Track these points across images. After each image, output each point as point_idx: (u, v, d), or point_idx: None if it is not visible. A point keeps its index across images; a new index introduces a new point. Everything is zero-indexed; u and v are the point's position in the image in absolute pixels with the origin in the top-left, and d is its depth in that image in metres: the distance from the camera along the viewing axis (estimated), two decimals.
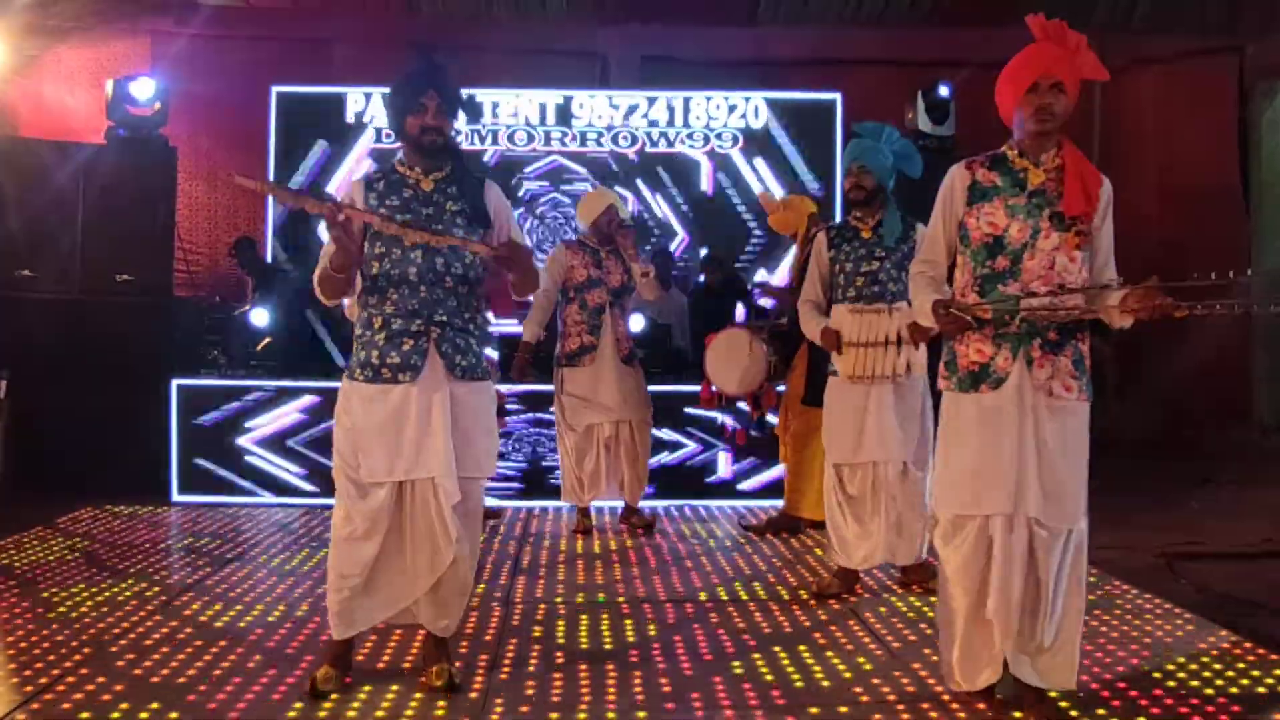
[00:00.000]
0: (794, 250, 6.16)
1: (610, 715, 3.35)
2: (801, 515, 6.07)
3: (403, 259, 3.45)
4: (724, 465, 7.16)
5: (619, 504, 6.42)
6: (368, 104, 8.56)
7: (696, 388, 7.09)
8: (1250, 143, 9.86)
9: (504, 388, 6.37)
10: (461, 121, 8.40)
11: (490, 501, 6.38)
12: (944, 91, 8.12)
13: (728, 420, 7.01)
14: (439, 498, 3.43)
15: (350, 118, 8.58)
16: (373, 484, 3.46)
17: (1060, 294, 3.19)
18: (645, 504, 6.46)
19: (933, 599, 4.51)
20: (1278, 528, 5.91)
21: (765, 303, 7.84)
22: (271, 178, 8.51)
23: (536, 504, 6.98)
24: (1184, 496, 7.21)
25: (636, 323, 7.33)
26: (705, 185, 8.62)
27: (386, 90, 3.62)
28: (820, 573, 5.20)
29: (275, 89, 8.66)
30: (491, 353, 6.14)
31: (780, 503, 6.33)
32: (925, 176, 4.72)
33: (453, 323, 3.50)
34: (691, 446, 7.13)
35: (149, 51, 9.08)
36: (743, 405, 6.39)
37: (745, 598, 4.81)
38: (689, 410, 7.06)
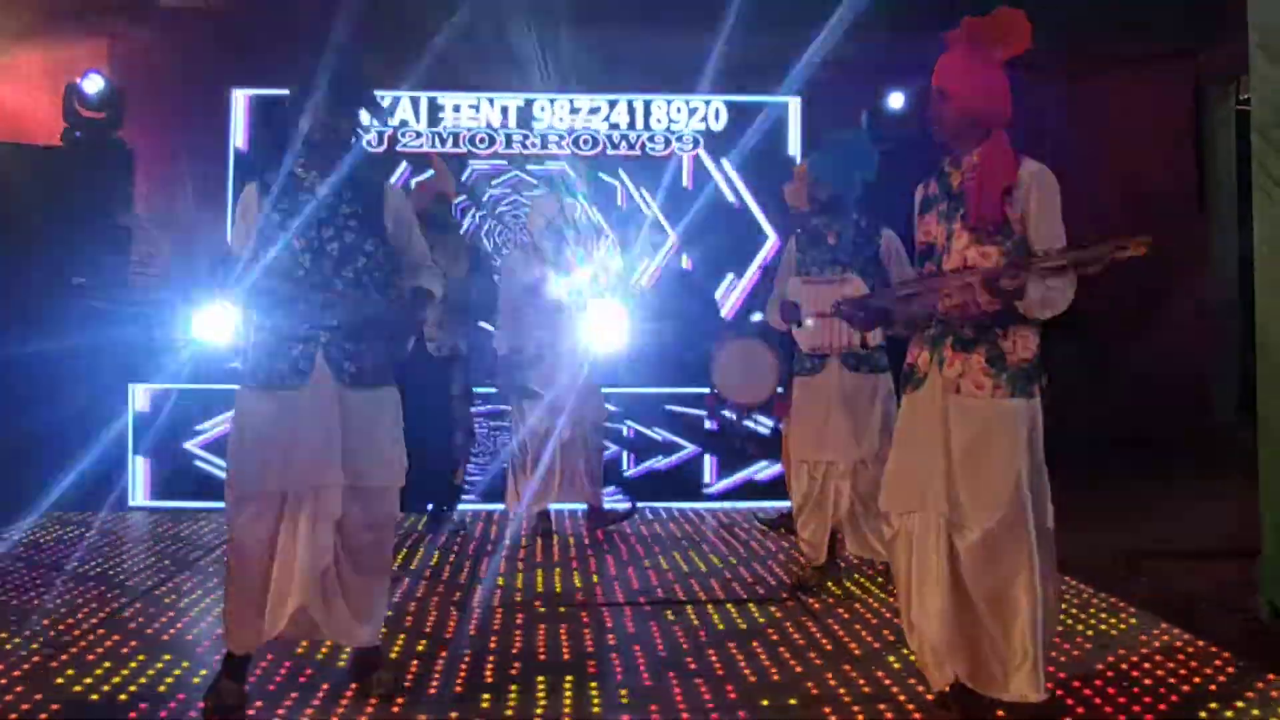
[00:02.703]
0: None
1: None
2: None
3: (293, 261, 3.36)
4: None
5: (580, 506, 6.43)
6: None
7: (655, 390, 7.19)
8: (1205, 145, 9.99)
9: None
10: (423, 124, 8.43)
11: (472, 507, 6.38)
12: (898, 99, 8.22)
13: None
14: (319, 509, 3.35)
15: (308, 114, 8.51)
16: (256, 492, 3.36)
17: (930, 283, 3.26)
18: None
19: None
20: (1236, 524, 5.98)
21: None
22: (230, 182, 8.47)
23: (497, 507, 6.96)
24: (1144, 493, 7.28)
25: None
26: (667, 187, 8.62)
27: None
28: (780, 569, 5.24)
29: (236, 91, 8.59)
30: None
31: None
32: (884, 178, 4.83)
33: (343, 329, 3.39)
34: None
35: (107, 54, 8.96)
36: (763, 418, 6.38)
37: (704, 599, 4.82)
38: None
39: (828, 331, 4.76)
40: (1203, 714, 3.35)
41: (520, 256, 6.18)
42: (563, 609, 4.67)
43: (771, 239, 8.54)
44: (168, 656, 3.93)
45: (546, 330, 6.05)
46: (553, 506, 6.34)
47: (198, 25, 8.91)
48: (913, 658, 3.49)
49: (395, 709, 3.41)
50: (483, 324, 6.62)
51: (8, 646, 4.03)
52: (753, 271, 8.60)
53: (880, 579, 5.05)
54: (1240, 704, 3.41)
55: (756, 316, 7.77)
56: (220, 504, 6.44)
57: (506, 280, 6.15)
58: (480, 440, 6.98)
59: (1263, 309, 4.46)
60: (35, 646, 4.02)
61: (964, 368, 3.21)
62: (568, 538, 6.22)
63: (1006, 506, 3.15)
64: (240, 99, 8.61)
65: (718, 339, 6.01)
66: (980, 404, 3.19)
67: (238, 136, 8.59)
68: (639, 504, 6.82)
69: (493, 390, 6.77)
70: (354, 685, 3.55)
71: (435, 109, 8.53)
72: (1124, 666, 3.81)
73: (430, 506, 6.28)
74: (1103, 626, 4.33)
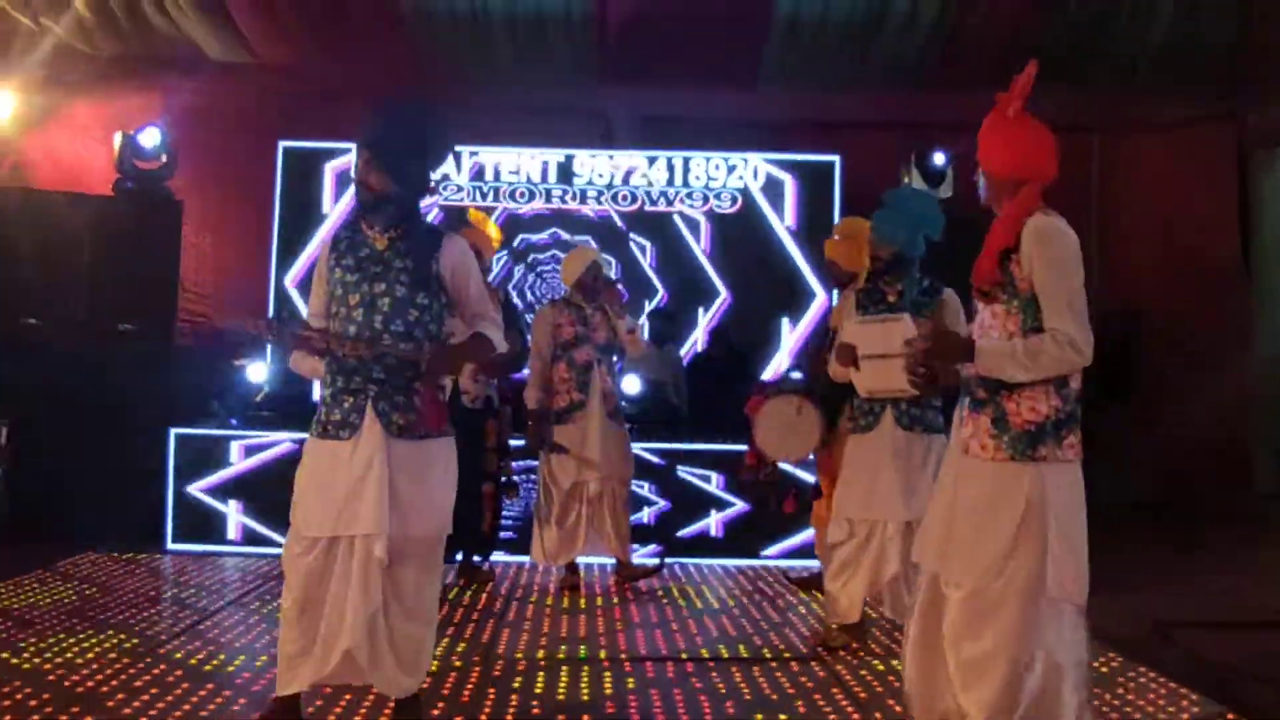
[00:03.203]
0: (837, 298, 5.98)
1: None
2: None
3: (346, 317, 3.51)
4: (715, 526, 7.18)
5: (609, 560, 6.43)
6: None
7: (691, 446, 7.18)
8: (1250, 211, 9.88)
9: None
10: (464, 178, 8.56)
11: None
12: (940, 157, 8.21)
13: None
14: (366, 557, 3.42)
15: (355, 172, 8.67)
16: (309, 538, 3.47)
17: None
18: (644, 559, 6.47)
19: None
20: (1273, 595, 5.87)
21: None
22: (276, 231, 8.65)
23: (527, 559, 6.96)
24: (1182, 562, 7.16)
25: (631, 384, 7.39)
26: (703, 244, 8.67)
27: None
28: (807, 630, 5.20)
29: (282, 143, 8.77)
30: None
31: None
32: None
33: (391, 380, 3.49)
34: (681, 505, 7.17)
35: (160, 105, 9.19)
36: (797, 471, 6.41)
37: (727, 657, 4.79)
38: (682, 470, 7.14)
39: (886, 374, 4.55)
40: None
41: (551, 311, 6.22)
42: (585, 662, 4.66)
43: (820, 296, 8.55)
44: (209, 686, 4.09)
45: (576, 385, 6.08)
46: (581, 560, 6.33)
47: (248, 78, 9.14)
48: None
49: None
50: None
51: (61, 670, 4.23)
52: (802, 329, 8.59)
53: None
54: None
55: (796, 374, 7.78)
56: (262, 549, 6.69)
57: (537, 334, 6.19)
58: (521, 492, 6.99)
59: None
60: (86, 673, 4.20)
61: (974, 429, 3.24)
62: (594, 590, 6.21)
63: (992, 571, 3.11)
64: (288, 151, 8.78)
65: (758, 395, 5.98)
66: (981, 466, 3.20)
67: (282, 186, 8.75)
68: (667, 559, 6.80)
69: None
70: None
71: (477, 164, 8.66)
72: None
73: (460, 556, 6.30)
74: (1130, 696, 4.25)
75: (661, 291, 8.69)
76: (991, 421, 3.18)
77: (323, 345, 3.47)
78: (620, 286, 6.38)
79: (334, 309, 3.55)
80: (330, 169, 8.75)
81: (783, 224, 8.65)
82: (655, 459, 7.10)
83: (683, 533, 7.20)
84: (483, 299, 3.76)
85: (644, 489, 7.06)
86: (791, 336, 8.64)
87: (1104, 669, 4.61)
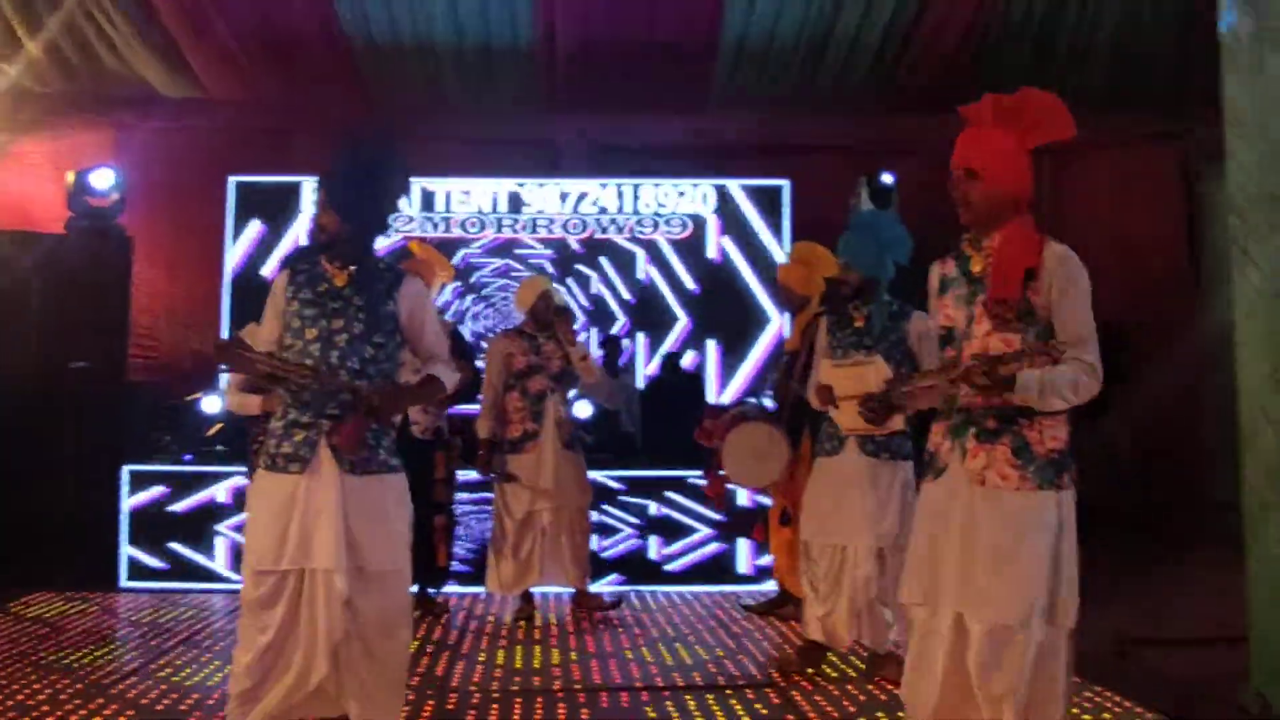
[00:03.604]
0: (788, 322, 5.95)
1: None
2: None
3: (302, 351, 3.49)
4: (654, 549, 7.18)
5: (566, 590, 6.39)
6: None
7: (643, 473, 7.16)
8: (1197, 226, 10.01)
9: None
10: (414, 209, 8.54)
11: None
12: (887, 178, 8.27)
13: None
14: (328, 590, 3.40)
15: (305, 206, 8.65)
16: (262, 573, 3.43)
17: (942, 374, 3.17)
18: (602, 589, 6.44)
19: (889, 687, 4.59)
20: (1230, 609, 5.89)
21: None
22: (227, 266, 8.60)
23: (483, 590, 6.91)
24: (1140, 575, 7.18)
25: (582, 409, 7.37)
26: (653, 270, 8.69)
27: None
28: (763, 656, 5.17)
29: (232, 179, 8.73)
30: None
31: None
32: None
33: (344, 417, 3.47)
34: (628, 532, 7.15)
35: (112, 143, 9.15)
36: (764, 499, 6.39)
37: (682, 686, 4.75)
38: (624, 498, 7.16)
39: (853, 414, 4.65)
40: None
41: (504, 341, 6.20)
42: (541, 691, 4.62)
43: (774, 320, 8.57)
44: None
45: (529, 415, 6.05)
46: (538, 590, 6.29)
47: (198, 115, 9.11)
48: None
49: None
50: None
51: (13, 715, 4.15)
52: (756, 353, 8.61)
53: (857, 660, 5.02)
54: None
55: (751, 399, 7.79)
56: (217, 585, 6.60)
57: (490, 365, 6.17)
58: (465, 523, 6.96)
59: (1245, 396, 4.43)
60: (37, 715, 4.14)
61: (989, 459, 3.12)
62: (549, 620, 6.17)
63: (1024, 602, 3.05)
64: (239, 185, 8.74)
65: (714, 421, 5.97)
66: (1005, 497, 3.09)
67: (243, 225, 8.71)
68: (634, 588, 6.77)
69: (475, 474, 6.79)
70: None
71: (426, 195, 8.65)
72: None
73: (415, 589, 6.23)
74: (1086, 716, 4.25)
75: (623, 320, 8.68)
76: (1013, 451, 3.10)
77: (266, 369, 3.41)
78: (572, 313, 6.35)
79: (288, 341, 3.52)
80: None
81: (734, 248, 8.67)
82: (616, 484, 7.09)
83: (645, 560, 7.21)
84: (438, 340, 3.77)
85: (611, 517, 7.05)
86: (746, 361, 8.65)
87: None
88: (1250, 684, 4.29)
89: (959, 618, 3.12)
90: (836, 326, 4.89)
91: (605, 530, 7.10)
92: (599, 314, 8.69)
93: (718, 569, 7.21)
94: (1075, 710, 4.30)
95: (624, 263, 8.70)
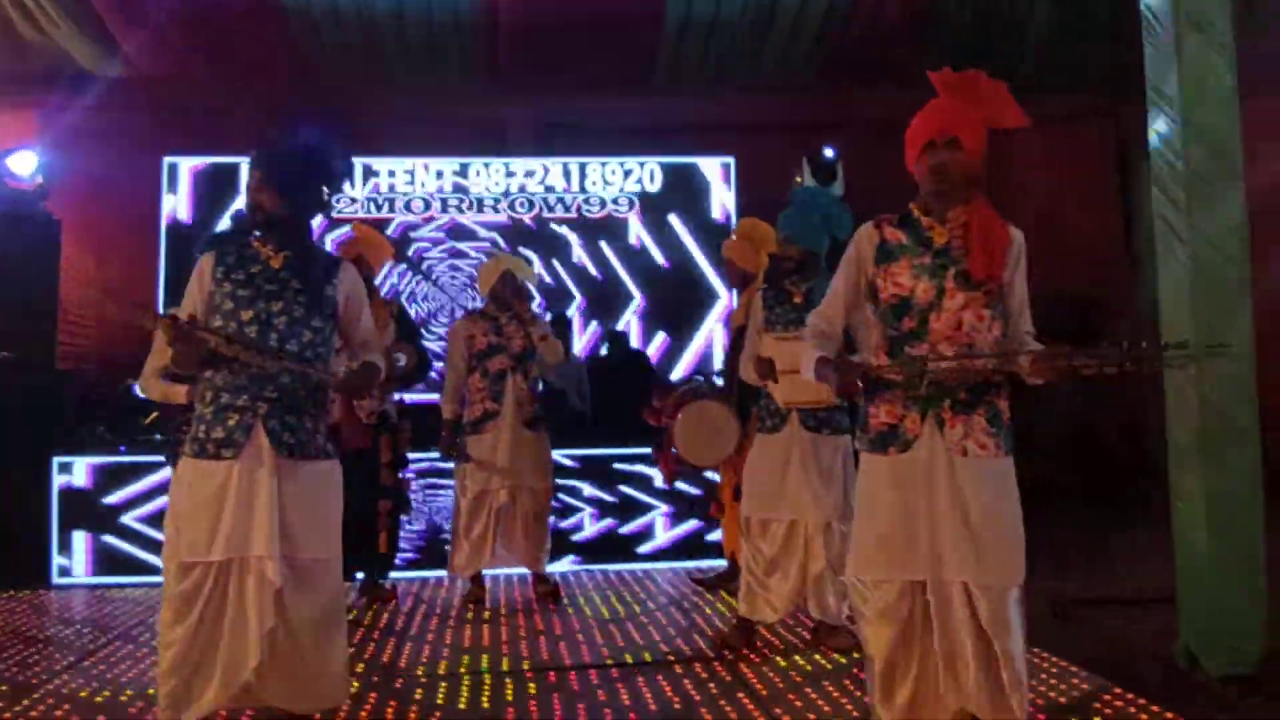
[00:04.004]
0: (735, 299, 5.99)
1: None
2: None
3: (237, 333, 3.42)
4: (606, 528, 7.22)
5: (523, 572, 6.39)
6: None
7: (591, 451, 7.17)
8: (1131, 202, 10.20)
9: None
10: (357, 189, 8.45)
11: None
12: (829, 153, 8.30)
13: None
14: (259, 579, 3.35)
15: (243, 188, 8.52)
16: (192, 563, 3.36)
17: (966, 357, 3.14)
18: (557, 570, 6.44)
19: (835, 656, 4.72)
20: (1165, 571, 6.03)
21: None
22: (163, 248, 8.44)
23: (431, 574, 6.91)
24: (1078, 541, 7.32)
25: None
26: (602, 249, 8.68)
27: None
28: (713, 632, 5.22)
29: (166, 160, 8.58)
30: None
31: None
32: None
33: (283, 400, 3.44)
34: (580, 510, 7.18)
35: (35, 124, 8.95)
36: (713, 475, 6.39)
37: (631, 663, 4.78)
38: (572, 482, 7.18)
39: (805, 387, 4.51)
40: None
41: (465, 323, 6.17)
42: (489, 674, 4.62)
43: (722, 296, 8.60)
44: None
45: (490, 395, 6.03)
46: (488, 571, 6.28)
47: (130, 94, 8.93)
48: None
49: None
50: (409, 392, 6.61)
51: None
52: (705, 329, 8.64)
53: (803, 631, 5.07)
54: None
55: (699, 377, 7.81)
56: (141, 579, 6.48)
57: (452, 347, 6.14)
58: (415, 507, 6.93)
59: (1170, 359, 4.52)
60: None
61: (966, 429, 3.16)
62: (500, 602, 6.16)
63: (1021, 564, 3.16)
64: (174, 166, 8.59)
65: (666, 399, 5.98)
66: (989, 464, 3.17)
67: (180, 206, 8.56)
68: (597, 567, 6.81)
69: (426, 456, 6.77)
70: None
71: (370, 174, 8.56)
72: (1041, 718, 3.81)
73: (360, 575, 6.20)
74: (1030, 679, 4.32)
75: (578, 298, 8.66)
76: (988, 421, 3.17)
77: (226, 350, 3.34)
78: (530, 292, 6.31)
79: (217, 323, 3.44)
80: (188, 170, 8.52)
81: (682, 226, 8.69)
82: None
83: (598, 539, 7.26)
84: (372, 328, 3.74)
85: (563, 496, 7.08)
86: (695, 337, 8.68)
87: None
88: (1180, 640, 4.41)
89: (963, 591, 3.13)
90: (775, 302, 4.90)
91: (557, 510, 7.08)
92: (547, 293, 8.66)
93: (671, 546, 7.26)
94: None
95: (571, 242, 8.67)
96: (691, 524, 7.24)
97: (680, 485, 7.02)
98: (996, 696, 3.10)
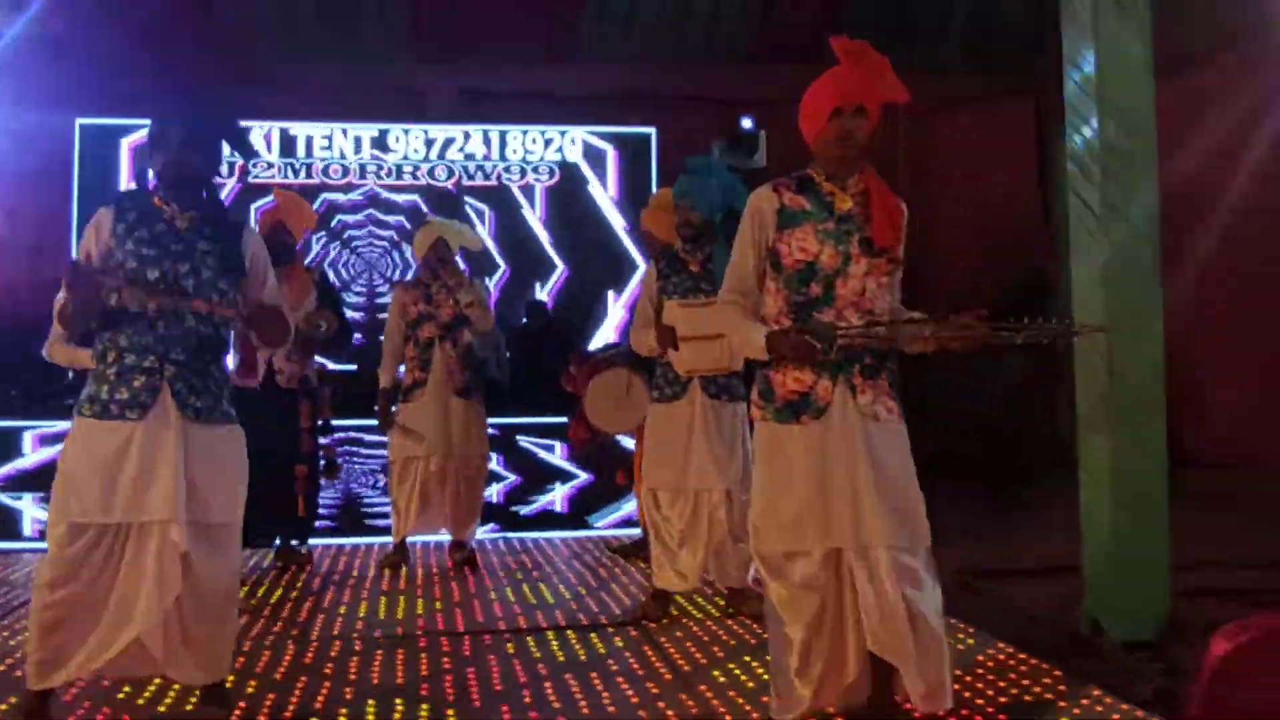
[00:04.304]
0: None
1: None
2: None
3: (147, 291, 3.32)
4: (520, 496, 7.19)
5: (441, 539, 6.37)
6: None
7: (511, 420, 7.15)
8: (1050, 180, 10.38)
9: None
10: (274, 155, 8.29)
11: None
12: (747, 124, 8.33)
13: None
14: (163, 544, 3.27)
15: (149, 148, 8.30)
16: (83, 524, 3.26)
17: (918, 323, 3.13)
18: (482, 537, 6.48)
19: (745, 619, 4.74)
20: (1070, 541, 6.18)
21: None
22: (75, 212, 8.21)
23: (349, 541, 6.86)
24: (989, 513, 7.48)
25: None
26: (522, 218, 8.62)
27: None
28: (630, 598, 5.25)
29: (79, 121, 8.34)
30: None
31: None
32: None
33: (190, 362, 3.37)
34: (498, 478, 7.17)
35: None
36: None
37: (546, 627, 4.79)
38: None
39: (707, 354, 4.62)
40: None
41: (400, 291, 6.18)
42: (403, 639, 4.59)
43: (643, 268, 8.57)
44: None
45: (419, 364, 6.03)
46: (411, 538, 6.27)
47: (40, 52, 8.67)
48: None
49: None
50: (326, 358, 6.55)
51: None
52: (626, 300, 8.62)
53: (719, 600, 5.10)
54: (1052, 715, 3.52)
55: (619, 345, 7.81)
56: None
57: (390, 316, 6.18)
58: (343, 473, 6.88)
59: (1080, 339, 4.62)
60: None
61: (875, 395, 3.18)
62: (415, 568, 6.14)
63: (927, 525, 3.20)
64: (84, 128, 8.35)
65: (582, 367, 5.99)
66: (894, 429, 3.20)
67: (81, 165, 8.33)
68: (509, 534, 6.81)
69: (345, 423, 6.73)
70: None
71: (288, 140, 8.39)
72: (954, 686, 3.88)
73: (278, 541, 6.13)
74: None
75: (503, 267, 8.58)
76: (889, 385, 3.21)
77: (131, 301, 3.26)
78: (455, 262, 6.26)
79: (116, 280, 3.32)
80: (127, 145, 8.32)
81: (605, 196, 8.66)
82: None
83: (527, 509, 7.30)
84: (276, 292, 3.67)
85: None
86: (616, 308, 8.67)
87: None
88: (1084, 608, 4.52)
89: (849, 556, 3.15)
90: (670, 270, 4.89)
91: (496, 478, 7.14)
92: (468, 261, 8.56)
93: (584, 514, 7.29)
94: None
95: (491, 210, 8.60)
96: (604, 493, 7.28)
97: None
98: (922, 660, 3.12)
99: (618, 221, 8.63)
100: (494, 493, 7.14)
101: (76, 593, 3.26)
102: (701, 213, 4.78)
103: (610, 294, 8.64)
